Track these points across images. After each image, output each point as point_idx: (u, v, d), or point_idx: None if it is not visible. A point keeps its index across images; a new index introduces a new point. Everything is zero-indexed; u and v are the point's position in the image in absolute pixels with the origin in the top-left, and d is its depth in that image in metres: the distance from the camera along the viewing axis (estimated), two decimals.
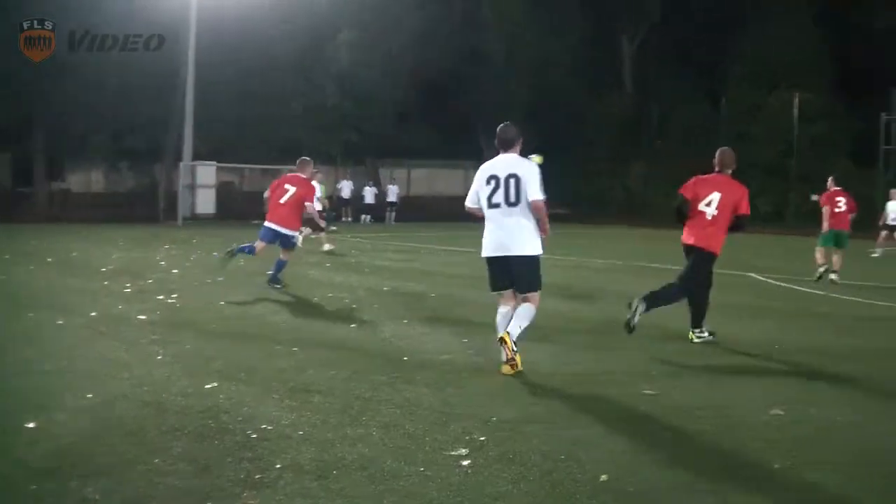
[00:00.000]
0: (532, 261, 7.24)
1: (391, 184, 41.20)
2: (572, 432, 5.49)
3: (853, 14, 46.80)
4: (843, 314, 12.00)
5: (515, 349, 7.05)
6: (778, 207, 45.97)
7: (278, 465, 4.68)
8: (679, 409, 6.12)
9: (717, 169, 9.12)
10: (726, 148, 9.28)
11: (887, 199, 26.70)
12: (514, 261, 7.21)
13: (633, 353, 8.25)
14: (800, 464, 4.93)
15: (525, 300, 7.26)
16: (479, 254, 7.46)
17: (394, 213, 39.61)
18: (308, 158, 13.54)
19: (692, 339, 9.03)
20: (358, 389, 6.47)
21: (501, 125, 7.42)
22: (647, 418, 5.88)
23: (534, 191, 7.05)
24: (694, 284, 8.99)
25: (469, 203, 7.46)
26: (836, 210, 16.02)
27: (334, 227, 26.05)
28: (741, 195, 8.91)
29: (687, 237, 9.09)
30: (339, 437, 5.23)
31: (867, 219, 24.17)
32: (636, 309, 8.40)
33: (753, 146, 46.48)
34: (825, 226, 16.10)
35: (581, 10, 45.99)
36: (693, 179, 9.08)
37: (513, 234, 7.17)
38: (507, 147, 7.29)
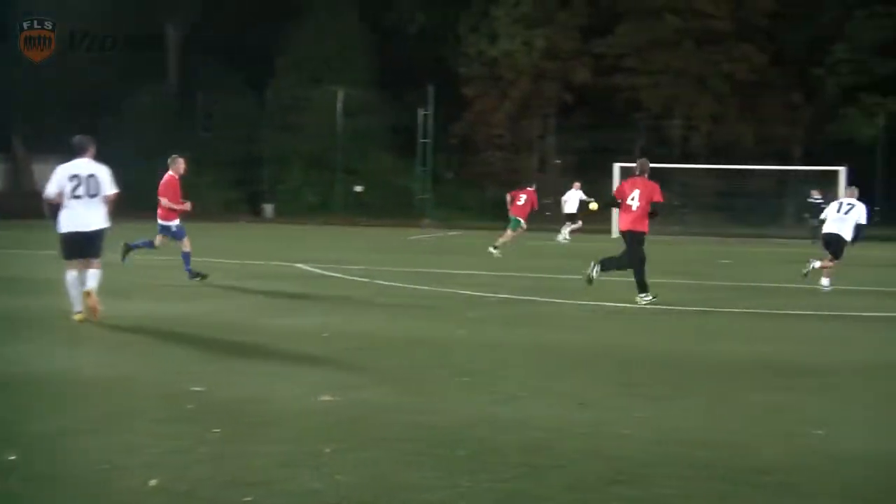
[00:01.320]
0: (102, 234, 9.64)
1: None
2: (116, 438, 5.15)
3: (392, 15, 49.99)
4: (388, 301, 12.65)
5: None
6: (324, 198, 47.76)
7: None
8: (229, 404, 6.01)
9: (637, 173, 12.69)
10: (644, 158, 13.12)
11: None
12: (90, 235, 9.52)
13: (179, 351, 8.03)
14: (348, 446, 5.04)
15: (92, 265, 9.52)
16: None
17: None
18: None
19: (639, 302, 12.02)
20: None
21: (77, 136, 9.76)
22: (194, 417, 5.69)
23: (108, 187, 9.60)
24: (636, 259, 12.24)
25: (50, 194, 9.47)
26: (518, 203, 22.60)
27: None
28: (653, 189, 12.32)
29: (622, 225, 12.61)
30: None
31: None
32: (594, 267, 12.52)
33: (299, 138, 47.89)
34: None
35: None
36: (621, 183, 12.92)
37: (90, 216, 9.49)
38: (82, 153, 9.65)
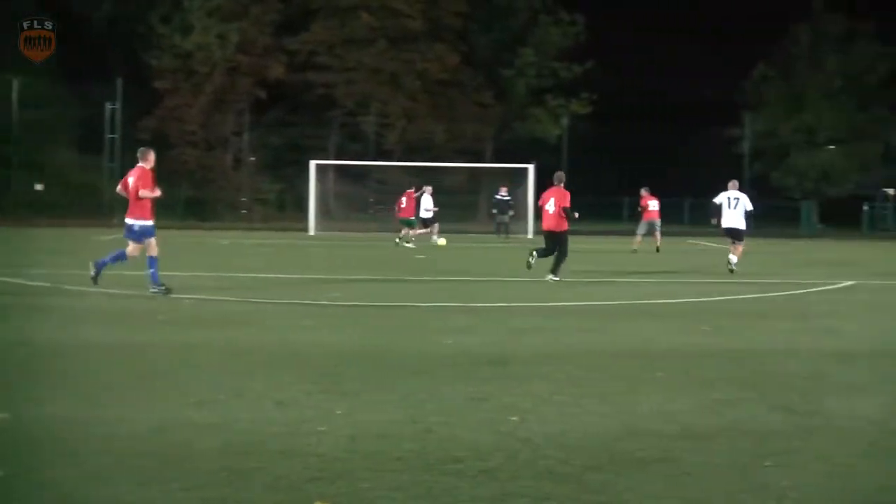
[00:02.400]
0: None
1: None
2: None
3: (76, 2, 47.03)
4: (73, 306, 11.89)
5: None
6: None
7: None
8: None
9: (555, 183, 15.68)
10: (560, 171, 16.24)
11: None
12: None
13: None
14: (27, 467, 4.68)
15: None
16: None
17: None
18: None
19: (548, 280, 15.05)
20: None
21: None
22: None
23: None
24: (563, 252, 15.41)
25: None
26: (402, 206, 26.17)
27: None
28: (563, 196, 15.44)
29: (546, 226, 15.73)
30: None
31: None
32: (532, 255, 15.70)
33: None
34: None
35: None
36: (543, 194, 16.05)
37: None
38: None
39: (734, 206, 18.12)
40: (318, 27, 48.83)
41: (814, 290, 15.42)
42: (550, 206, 15.47)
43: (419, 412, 5.99)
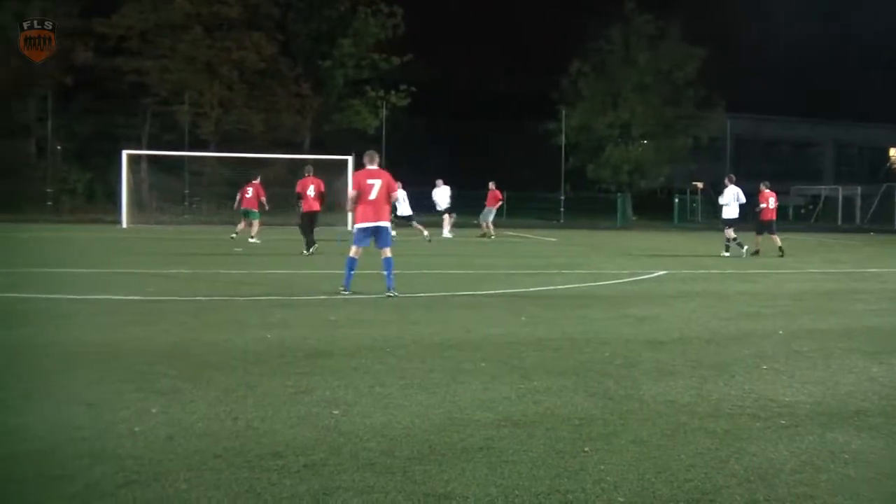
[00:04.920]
0: None
1: None
2: None
3: None
4: None
5: None
6: None
7: None
8: None
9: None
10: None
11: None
12: None
13: None
14: None
15: None
16: None
17: None
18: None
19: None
20: None
21: None
22: None
23: None
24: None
25: None
26: (247, 196, 25.70)
27: None
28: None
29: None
30: None
31: None
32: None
33: None
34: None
35: None
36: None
37: None
38: None
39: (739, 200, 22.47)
40: (128, 10, 46.82)
41: (628, 280, 16.06)
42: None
43: (239, 408, 5.84)
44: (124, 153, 36.89)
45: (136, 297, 11.71)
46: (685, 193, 56.39)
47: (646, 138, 53.65)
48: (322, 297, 12.30)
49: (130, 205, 36.38)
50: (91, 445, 4.94)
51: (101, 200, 44.62)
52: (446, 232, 30.98)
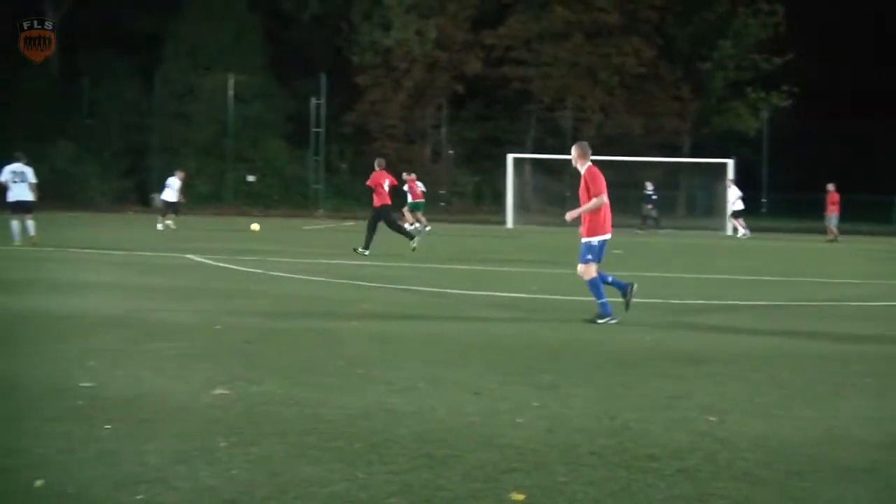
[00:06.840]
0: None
1: None
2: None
3: (285, 2, 49.32)
4: (280, 293, 12.51)
5: None
6: (216, 188, 46.89)
7: None
8: (120, 400, 5.86)
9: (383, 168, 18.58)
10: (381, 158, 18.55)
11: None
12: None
13: (65, 346, 7.77)
14: (243, 440, 4.98)
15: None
16: None
17: None
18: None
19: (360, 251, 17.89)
20: None
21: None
22: (83, 414, 5.52)
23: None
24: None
25: None
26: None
27: None
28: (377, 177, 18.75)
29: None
30: None
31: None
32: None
33: (189, 126, 46.87)
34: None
35: None
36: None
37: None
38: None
39: None
40: (513, 21, 49.09)
41: None
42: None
43: (615, 407, 5.96)
44: (510, 157, 38.67)
45: (520, 295, 12.25)
46: None
47: None
48: (699, 301, 12.13)
49: (516, 205, 38.06)
50: (478, 431, 5.31)
51: (488, 202, 47.14)
52: (741, 231, 31.67)
